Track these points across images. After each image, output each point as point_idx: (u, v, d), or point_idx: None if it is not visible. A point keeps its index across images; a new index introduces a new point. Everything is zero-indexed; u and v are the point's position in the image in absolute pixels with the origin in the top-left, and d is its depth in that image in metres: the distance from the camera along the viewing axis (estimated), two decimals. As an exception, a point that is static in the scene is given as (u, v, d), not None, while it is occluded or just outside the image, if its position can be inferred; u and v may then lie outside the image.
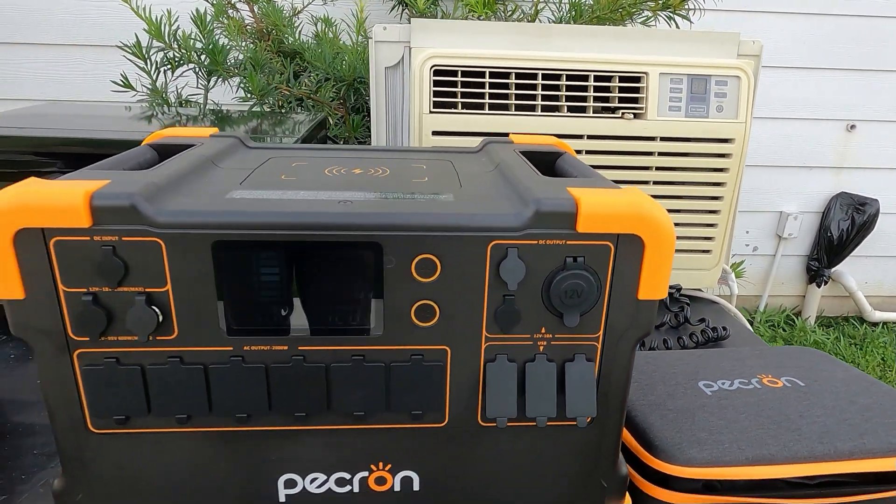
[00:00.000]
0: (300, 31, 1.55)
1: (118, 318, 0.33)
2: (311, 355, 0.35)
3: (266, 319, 0.34)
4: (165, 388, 0.34)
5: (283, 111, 1.42)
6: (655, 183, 0.82)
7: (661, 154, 0.81)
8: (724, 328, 0.77)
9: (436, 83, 0.77)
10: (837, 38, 2.22)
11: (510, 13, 1.58)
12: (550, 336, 0.36)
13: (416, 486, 0.39)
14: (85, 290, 0.32)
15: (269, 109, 1.40)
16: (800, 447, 0.44)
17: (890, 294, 2.56)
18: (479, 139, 0.76)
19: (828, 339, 2.36)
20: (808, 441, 0.45)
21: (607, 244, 0.34)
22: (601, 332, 0.36)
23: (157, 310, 0.33)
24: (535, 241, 0.33)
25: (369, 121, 1.51)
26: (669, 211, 0.84)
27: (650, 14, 1.52)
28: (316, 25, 1.58)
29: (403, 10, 1.75)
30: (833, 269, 2.47)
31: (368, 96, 1.40)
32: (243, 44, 1.40)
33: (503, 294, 0.34)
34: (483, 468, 0.38)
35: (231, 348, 0.34)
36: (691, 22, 1.54)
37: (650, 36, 0.82)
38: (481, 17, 1.46)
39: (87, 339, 0.33)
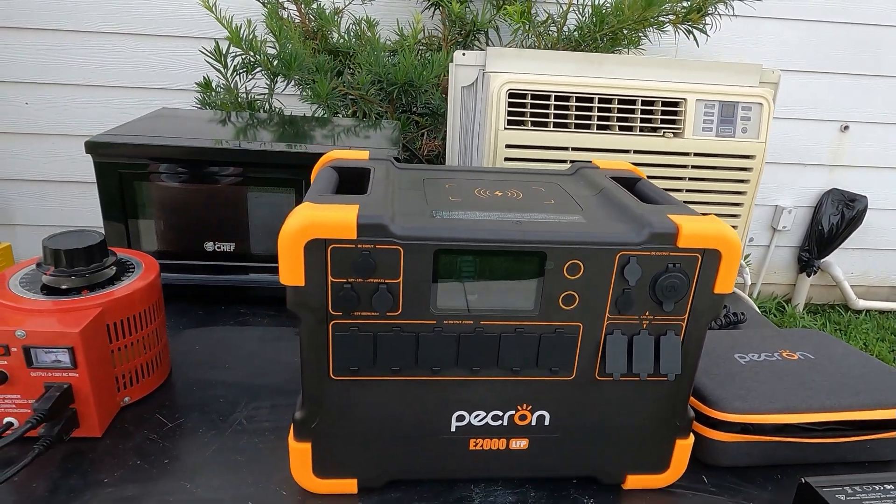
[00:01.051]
0: (347, 31, 1.68)
1: (364, 300, 0.48)
2: (488, 328, 0.50)
3: (458, 303, 0.49)
4: (388, 348, 0.50)
5: (334, 113, 1.55)
6: (687, 191, 0.98)
7: (693, 167, 0.97)
8: (743, 313, 0.94)
9: (510, 104, 0.92)
10: (835, 44, 2.38)
11: (542, 23, 1.72)
12: (651, 317, 0.51)
13: (547, 422, 0.54)
14: (346, 280, 0.47)
15: (325, 111, 1.53)
16: (813, 401, 0.61)
17: (874, 284, 2.76)
18: (546, 152, 0.92)
19: (815, 324, 2.55)
20: (819, 397, 0.61)
21: (697, 255, 0.49)
22: (686, 315, 0.51)
23: (391, 295, 0.48)
24: (649, 252, 0.49)
25: (416, 122, 1.65)
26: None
27: (670, 26, 1.67)
28: (359, 25, 1.70)
29: (435, 10, 1.88)
30: (822, 260, 2.65)
31: (417, 99, 1.54)
32: (299, 46, 1.53)
33: (623, 288, 0.50)
34: (596, 409, 0.54)
35: (435, 322, 0.49)
36: (708, 35, 1.69)
37: (687, 66, 0.97)
38: (520, 28, 1.59)
39: (342, 314, 0.48)
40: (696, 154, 0.96)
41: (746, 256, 2.28)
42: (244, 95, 1.39)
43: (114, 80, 2.05)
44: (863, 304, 2.68)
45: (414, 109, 1.58)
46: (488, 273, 0.49)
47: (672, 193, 0.99)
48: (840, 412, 0.61)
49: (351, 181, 0.60)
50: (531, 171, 0.68)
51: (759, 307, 2.65)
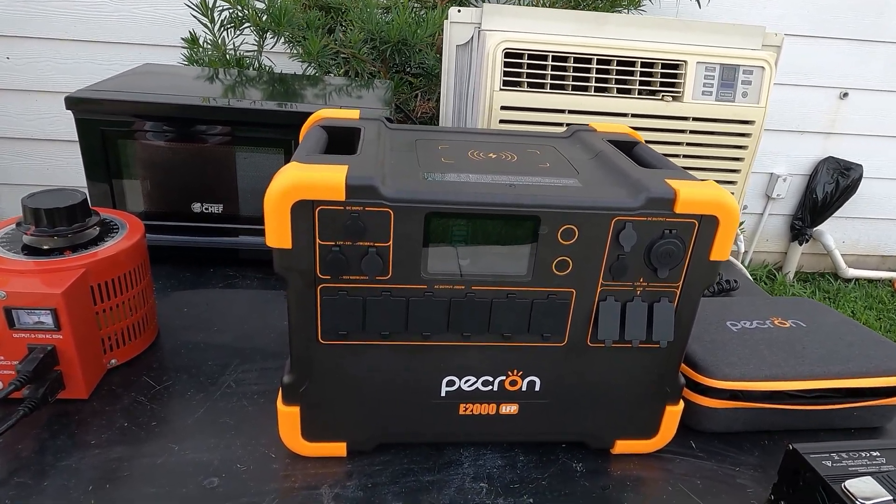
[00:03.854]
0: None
1: (353, 263, 0.47)
2: (480, 293, 0.49)
3: (450, 267, 0.48)
4: (377, 313, 0.49)
5: (326, 72, 1.51)
6: (685, 156, 0.97)
7: (692, 132, 0.95)
8: (735, 281, 0.94)
9: (506, 64, 0.89)
10: (837, 9, 2.33)
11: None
12: (646, 284, 0.50)
13: (537, 388, 0.54)
14: (334, 243, 0.46)
15: (310, 70, 1.49)
16: (803, 369, 0.61)
17: (864, 253, 2.78)
18: (542, 115, 0.90)
19: (804, 292, 2.57)
20: (809, 365, 0.61)
21: (693, 221, 0.48)
22: (681, 282, 0.51)
23: (381, 258, 0.47)
24: (645, 218, 0.48)
25: (409, 82, 1.61)
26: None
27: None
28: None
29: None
30: (815, 229, 2.66)
31: (411, 58, 1.50)
32: (289, 0, 1.47)
33: (618, 254, 0.49)
34: (587, 376, 0.54)
35: (426, 287, 0.49)
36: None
37: (689, 27, 0.94)
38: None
39: (329, 277, 0.47)
40: (694, 119, 0.94)
41: (740, 224, 2.28)
42: (232, 52, 1.35)
43: (97, 35, 1.98)
44: (852, 272, 2.70)
45: (408, 70, 1.54)
46: (480, 237, 0.48)
47: (669, 159, 0.98)
48: (829, 380, 0.61)
49: (340, 141, 0.58)
50: (526, 134, 0.66)
51: (750, 274, 2.67)
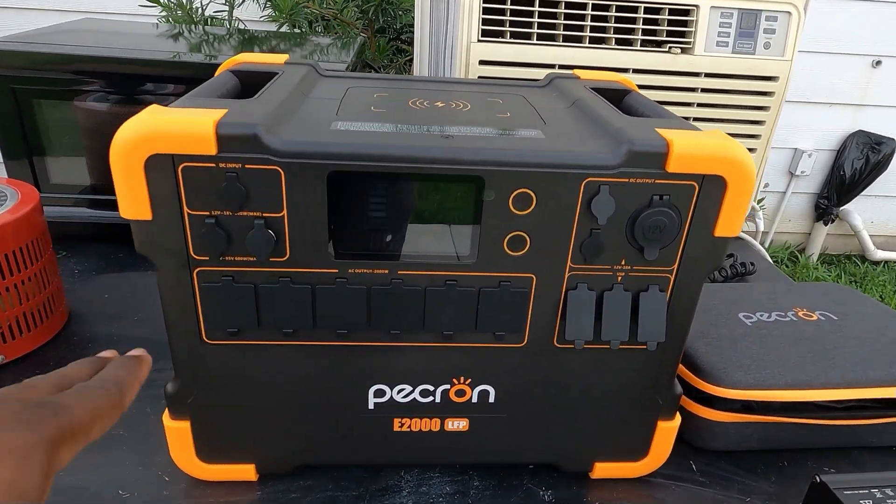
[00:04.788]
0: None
1: (237, 240, 0.35)
2: (409, 279, 0.38)
3: (370, 245, 0.37)
4: (275, 305, 0.37)
5: (306, 32, 1.39)
6: (696, 119, 0.83)
7: (703, 90, 0.81)
8: (752, 263, 0.81)
9: (485, 11, 0.76)
10: (871, -32, 2.14)
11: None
12: (629, 267, 0.38)
13: (491, 399, 0.43)
14: (208, 213, 0.35)
15: (295, 30, 1.37)
16: (834, 374, 0.48)
17: (894, 234, 2.60)
18: (528, 70, 0.77)
19: (829, 276, 2.41)
20: (842, 369, 0.49)
21: (692, 184, 0.36)
22: (676, 265, 0.39)
23: (272, 233, 0.35)
24: (627, 180, 0.36)
25: (396, 44, 1.48)
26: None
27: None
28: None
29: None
30: (841, 208, 2.49)
31: (398, 18, 1.37)
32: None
33: (591, 228, 0.37)
34: (553, 385, 0.42)
35: (337, 271, 0.37)
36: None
37: (702, -34, 0.80)
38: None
39: (208, 258, 0.36)
40: (707, 74, 0.81)
41: (760, 200, 2.13)
42: (200, 14, 1.24)
43: (49, 3, 1.84)
44: (881, 254, 2.53)
45: (402, 37, 1.41)
46: (407, 205, 0.36)
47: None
48: (867, 388, 0.49)
49: (253, 90, 0.47)
50: (493, 82, 0.54)
51: (771, 256, 2.51)
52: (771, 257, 2.50)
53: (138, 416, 0.50)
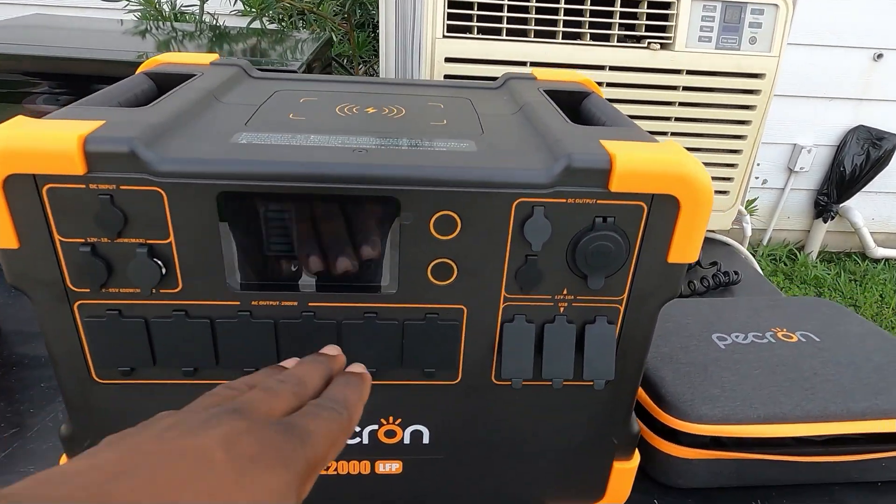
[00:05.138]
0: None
1: (119, 270, 0.31)
2: (322, 312, 0.33)
3: (275, 274, 0.32)
4: (170, 341, 0.33)
5: (284, 27, 1.35)
6: (677, 119, 0.78)
7: (685, 89, 0.77)
8: (736, 272, 0.76)
9: (451, 4, 0.71)
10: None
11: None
12: (572, 297, 0.34)
13: (425, 440, 0.38)
14: (83, 240, 0.30)
15: (269, 25, 1.32)
16: (812, 406, 0.44)
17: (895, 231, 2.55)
18: (497, 68, 0.72)
19: (828, 274, 2.36)
20: (822, 400, 0.44)
21: (640, 204, 0.31)
22: (625, 295, 0.34)
23: (159, 262, 0.31)
24: (564, 200, 0.31)
25: (376, 39, 1.43)
26: (690, 150, 0.81)
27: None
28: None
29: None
30: (841, 205, 2.44)
31: (377, 11, 1.32)
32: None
33: (526, 254, 0.32)
34: (493, 425, 0.38)
35: (238, 303, 0.33)
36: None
37: (684, -44, 0.75)
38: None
39: (88, 290, 0.32)
40: (689, 72, 0.76)
41: (752, 201, 2.07)
42: (168, 7, 1.19)
43: None
44: (882, 252, 2.47)
45: (375, 24, 1.36)
46: (315, 230, 0.32)
47: (658, 123, 0.80)
48: (849, 420, 0.44)
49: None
50: (444, 84, 0.49)
51: (768, 254, 2.46)
52: (769, 255, 2.46)
53: (49, 459, 0.46)
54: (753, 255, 2.44)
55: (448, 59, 0.73)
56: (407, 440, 0.38)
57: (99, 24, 0.96)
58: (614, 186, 0.31)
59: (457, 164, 0.31)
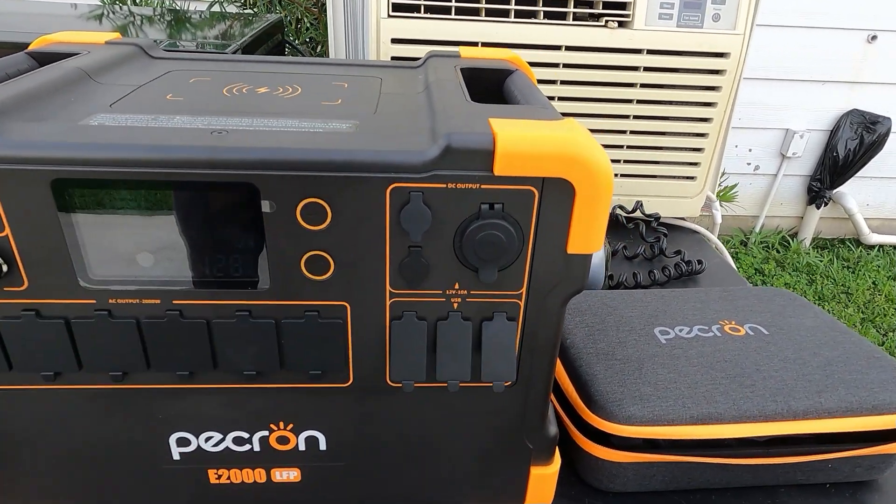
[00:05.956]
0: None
1: (-46, 266, 0.28)
2: (189, 310, 0.30)
3: (128, 269, 0.29)
4: (23, 343, 0.30)
5: (256, 12, 1.31)
6: (639, 102, 0.75)
7: (647, 69, 0.73)
8: (700, 261, 0.73)
9: (395, -19, 0.68)
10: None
11: None
12: (465, 292, 0.31)
13: (322, 446, 0.36)
14: None
15: (242, 9, 1.29)
16: (750, 405, 0.41)
17: (890, 216, 2.51)
18: (447, 49, 0.69)
19: (821, 261, 2.33)
20: (761, 398, 0.41)
21: (530, 189, 0.28)
22: (524, 289, 0.31)
23: (-2, 257, 0.28)
24: (444, 185, 0.28)
25: (344, 23, 1.39)
26: (653, 133, 0.77)
27: None
28: None
29: None
30: (835, 191, 2.40)
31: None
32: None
33: (408, 245, 0.29)
34: (394, 428, 0.35)
35: (94, 301, 0.30)
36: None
37: (644, -71, 0.72)
38: None
39: (-78, 289, 0.29)
40: (649, 51, 0.72)
41: (732, 188, 2.03)
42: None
43: None
44: (876, 238, 2.44)
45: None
46: (175, 220, 0.29)
47: (619, 106, 0.77)
48: (790, 420, 0.41)
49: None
50: (361, 64, 0.46)
51: (761, 241, 2.42)
52: (761, 242, 2.42)
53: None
54: (744, 243, 2.41)
55: (395, 41, 0.69)
56: (302, 446, 0.35)
57: (51, 9, 0.93)
58: (499, 169, 0.28)
59: (320, 146, 0.28)
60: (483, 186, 0.28)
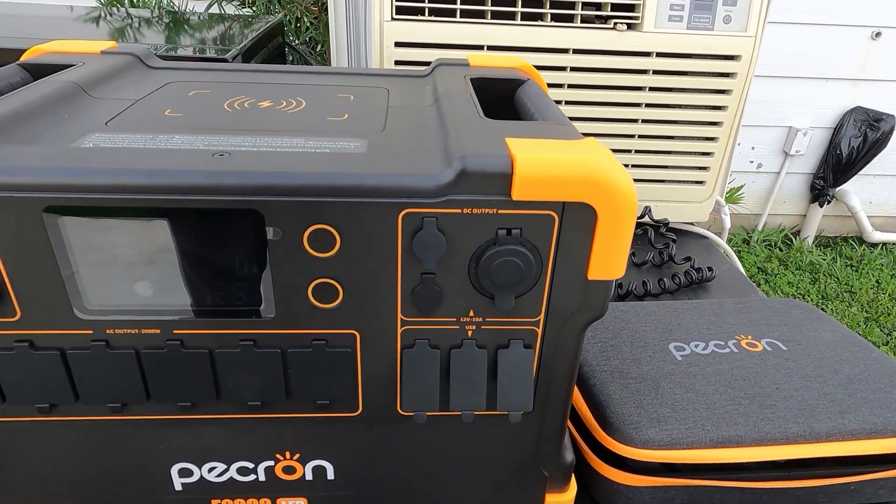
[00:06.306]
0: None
1: (-58, 297, 0.27)
2: (191, 340, 0.29)
3: (127, 299, 0.28)
4: (17, 375, 0.29)
5: (255, 11, 1.29)
6: (648, 106, 0.73)
7: (656, 73, 0.71)
8: (710, 269, 0.71)
9: (399, -16, 0.66)
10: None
11: None
12: (480, 319, 0.29)
13: (330, 476, 0.34)
14: None
15: (243, 10, 1.27)
16: (771, 427, 0.40)
17: (894, 214, 2.50)
18: (451, 53, 0.67)
19: (824, 259, 2.32)
20: (782, 420, 0.40)
21: (550, 214, 0.27)
22: (542, 316, 0.30)
23: (-12, 289, 0.27)
24: (458, 210, 0.26)
25: (344, 23, 1.37)
26: (662, 138, 0.76)
27: None
28: None
29: None
30: (838, 188, 2.38)
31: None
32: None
33: (421, 272, 0.28)
34: (405, 458, 0.34)
35: (91, 332, 0.28)
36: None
37: (653, -72, 0.70)
38: None
39: None
40: (658, 54, 0.71)
41: (738, 189, 2.02)
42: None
43: None
44: (879, 236, 2.42)
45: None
46: (175, 247, 0.27)
47: (628, 110, 0.75)
48: (812, 443, 0.40)
49: (45, 87, 0.37)
50: (367, 73, 0.44)
51: (763, 240, 2.41)
52: (763, 241, 2.41)
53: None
54: (747, 241, 2.39)
55: (398, 44, 0.68)
56: (309, 476, 0.34)
57: (48, 12, 0.91)
58: (517, 194, 0.26)
59: (329, 170, 0.26)
60: (500, 211, 0.27)
